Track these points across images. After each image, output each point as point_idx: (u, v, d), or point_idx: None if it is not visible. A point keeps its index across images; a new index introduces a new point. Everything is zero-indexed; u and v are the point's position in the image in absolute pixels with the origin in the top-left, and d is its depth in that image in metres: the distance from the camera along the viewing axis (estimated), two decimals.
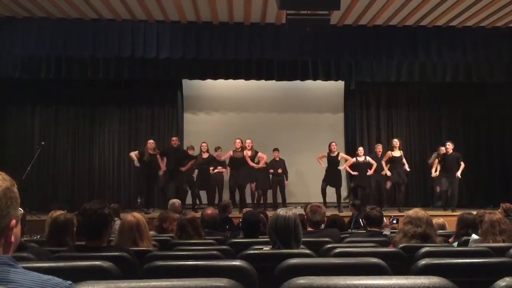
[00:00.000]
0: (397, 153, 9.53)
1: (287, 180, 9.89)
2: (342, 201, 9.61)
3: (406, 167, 9.63)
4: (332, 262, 2.32)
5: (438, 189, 9.73)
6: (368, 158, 9.56)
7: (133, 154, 9.41)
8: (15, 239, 1.28)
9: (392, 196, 10.04)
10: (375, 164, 9.43)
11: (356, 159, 9.58)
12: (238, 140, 9.33)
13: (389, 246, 3.51)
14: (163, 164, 9.30)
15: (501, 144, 11.13)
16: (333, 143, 9.55)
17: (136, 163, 9.33)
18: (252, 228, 4.15)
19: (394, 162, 9.50)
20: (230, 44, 8.76)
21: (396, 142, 9.60)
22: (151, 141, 9.42)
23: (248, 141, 9.36)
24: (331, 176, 9.46)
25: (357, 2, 7.80)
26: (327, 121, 11.39)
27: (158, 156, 9.31)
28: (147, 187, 9.41)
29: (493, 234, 3.45)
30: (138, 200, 9.50)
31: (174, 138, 9.56)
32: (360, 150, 9.67)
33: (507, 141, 10.99)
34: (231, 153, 9.36)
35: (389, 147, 9.77)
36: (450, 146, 9.35)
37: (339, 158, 9.53)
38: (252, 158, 9.42)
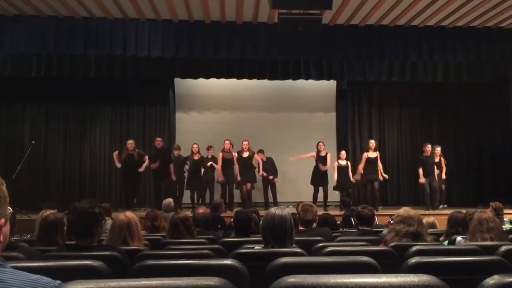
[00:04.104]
0: (372, 154, 9.58)
1: (276, 178, 9.88)
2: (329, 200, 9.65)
3: (380, 167, 9.66)
4: (323, 260, 2.33)
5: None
6: (349, 162, 9.70)
7: (115, 155, 9.58)
8: (4, 238, 1.26)
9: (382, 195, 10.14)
10: (349, 171, 9.58)
11: (338, 162, 9.65)
12: (227, 141, 9.38)
13: (380, 244, 3.53)
14: (146, 163, 9.43)
15: (491, 144, 11.21)
16: (321, 143, 9.62)
17: (117, 164, 9.47)
18: (244, 227, 4.16)
19: (369, 163, 9.54)
20: (222, 43, 8.74)
21: (372, 143, 9.66)
22: (130, 141, 9.49)
23: (245, 142, 9.42)
24: (320, 176, 9.51)
25: (349, 2, 7.80)
26: (319, 120, 11.42)
27: (144, 157, 9.47)
28: (126, 186, 9.58)
29: (481, 232, 3.48)
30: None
31: (158, 139, 9.66)
32: (342, 153, 9.76)
33: (497, 141, 11.07)
34: (221, 155, 9.38)
35: (366, 149, 9.84)
36: (429, 148, 9.45)
37: (328, 158, 9.56)
38: (249, 159, 9.44)
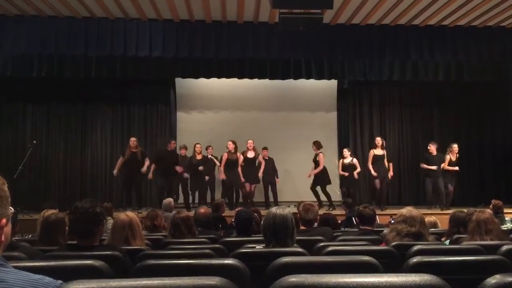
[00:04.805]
0: (379, 151, 9.51)
1: (277, 178, 9.87)
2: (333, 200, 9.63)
3: (390, 166, 9.61)
4: (324, 260, 2.33)
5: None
6: (354, 160, 9.62)
7: (120, 162, 9.46)
8: (5, 238, 1.27)
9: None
10: (359, 169, 9.54)
11: (342, 161, 9.62)
12: (231, 142, 9.38)
13: (381, 244, 3.53)
14: (147, 164, 9.33)
15: (492, 143, 11.19)
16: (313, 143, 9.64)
17: (115, 172, 9.42)
18: (245, 226, 4.16)
19: (376, 161, 9.48)
20: (223, 42, 8.73)
21: (378, 140, 9.59)
22: (133, 138, 9.45)
23: (250, 141, 9.43)
24: (317, 175, 9.49)
25: (350, 1, 7.80)
26: (320, 120, 11.41)
27: (147, 158, 9.40)
28: (127, 185, 9.49)
29: (480, 234, 3.46)
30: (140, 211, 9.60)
31: (172, 141, 9.61)
32: (345, 151, 9.70)
33: (498, 140, 11.05)
34: (226, 155, 9.37)
35: (368, 147, 9.81)
36: (433, 146, 9.42)
37: (317, 158, 9.50)
38: (255, 158, 9.46)
